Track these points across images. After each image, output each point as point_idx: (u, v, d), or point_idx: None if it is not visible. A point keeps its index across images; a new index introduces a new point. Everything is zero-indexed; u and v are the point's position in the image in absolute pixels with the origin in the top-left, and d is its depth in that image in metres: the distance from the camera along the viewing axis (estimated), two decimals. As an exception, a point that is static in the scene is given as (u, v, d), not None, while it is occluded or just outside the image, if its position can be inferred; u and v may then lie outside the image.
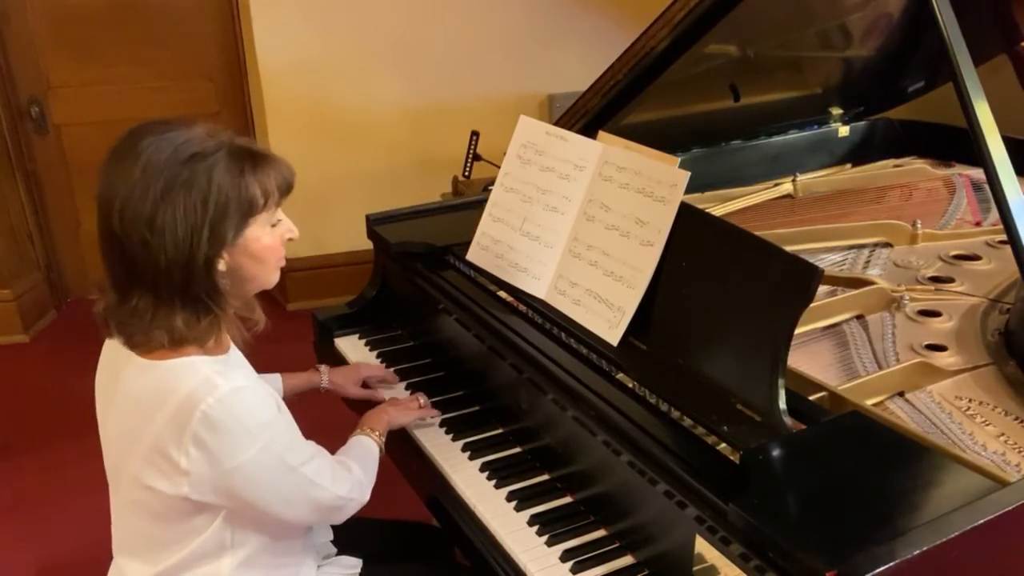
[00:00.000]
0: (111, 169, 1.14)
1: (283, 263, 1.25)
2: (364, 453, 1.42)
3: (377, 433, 1.47)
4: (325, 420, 1.70)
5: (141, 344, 1.17)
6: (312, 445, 1.29)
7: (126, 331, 1.17)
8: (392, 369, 1.79)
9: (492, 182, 1.70)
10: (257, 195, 1.16)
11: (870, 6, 2.02)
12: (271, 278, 1.24)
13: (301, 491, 1.24)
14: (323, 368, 1.70)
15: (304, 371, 1.69)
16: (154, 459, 1.16)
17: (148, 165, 1.10)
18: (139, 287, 1.15)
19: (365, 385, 1.73)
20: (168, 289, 1.14)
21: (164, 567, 1.24)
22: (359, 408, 1.75)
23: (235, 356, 1.26)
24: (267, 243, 1.20)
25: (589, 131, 1.68)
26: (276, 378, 1.63)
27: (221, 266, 1.16)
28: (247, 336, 1.27)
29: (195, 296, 1.15)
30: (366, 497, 1.37)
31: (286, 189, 1.21)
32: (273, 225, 1.21)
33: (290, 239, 1.25)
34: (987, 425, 1.30)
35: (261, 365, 1.50)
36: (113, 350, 1.24)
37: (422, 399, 1.61)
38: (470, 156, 2.97)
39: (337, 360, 1.88)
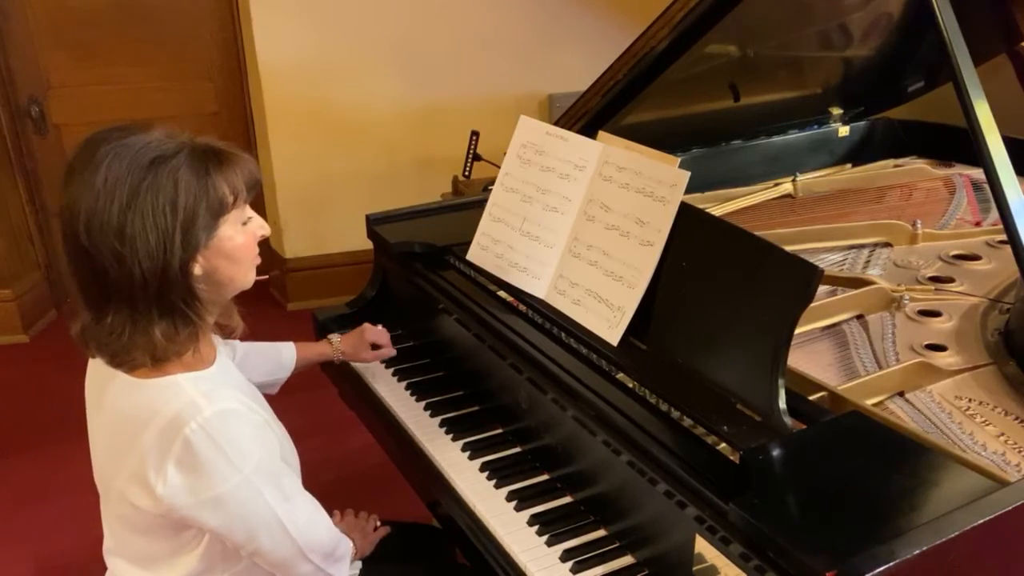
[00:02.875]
0: (70, 182, 1.09)
1: (258, 261, 1.22)
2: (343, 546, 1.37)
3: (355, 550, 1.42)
4: (324, 420, 1.71)
5: (124, 363, 1.14)
6: (298, 490, 1.25)
7: (107, 351, 1.14)
8: (392, 369, 1.79)
9: (492, 182, 1.70)
10: (225, 194, 1.13)
11: (870, 6, 2.02)
12: (248, 278, 1.22)
13: (268, 531, 1.19)
14: (334, 338, 1.70)
15: (317, 341, 1.70)
16: (137, 479, 1.15)
17: (109, 174, 1.07)
18: (113, 302, 1.12)
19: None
20: (145, 300, 1.10)
21: None
22: (358, 407, 1.74)
23: (221, 369, 1.23)
24: (240, 242, 1.17)
25: (589, 131, 1.68)
26: (290, 347, 1.63)
27: (197, 270, 1.13)
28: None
29: (172, 305, 1.12)
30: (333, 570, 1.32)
31: (253, 185, 1.18)
32: (244, 223, 1.18)
33: (263, 236, 1.22)
34: (987, 425, 1.30)
35: (261, 365, 1.50)
36: (99, 361, 1.22)
37: (372, 524, 1.57)
38: (470, 156, 2.97)
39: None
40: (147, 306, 1.11)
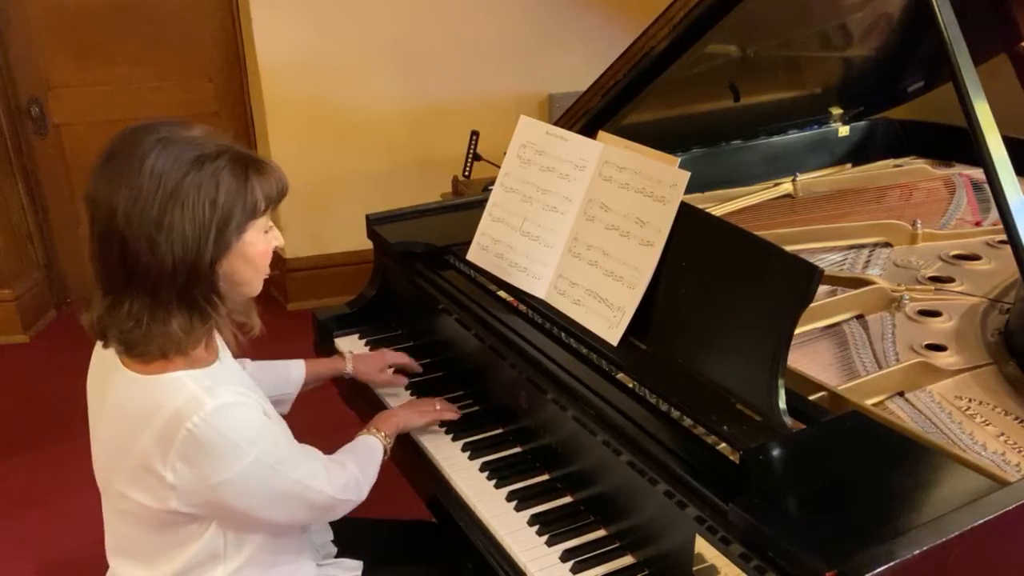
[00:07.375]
0: (111, 169, 1.12)
1: (268, 273, 1.25)
2: (366, 452, 1.43)
3: (383, 434, 1.47)
4: (324, 420, 1.70)
5: (142, 354, 1.16)
6: (303, 449, 1.29)
7: (124, 341, 1.16)
8: (391, 370, 1.79)
9: (492, 182, 1.70)
10: (259, 199, 1.17)
11: (870, 6, 2.02)
12: (258, 285, 1.25)
13: (295, 495, 1.24)
14: (347, 354, 1.71)
15: (328, 357, 1.71)
16: (139, 475, 1.17)
17: (156, 164, 1.10)
18: (135, 289, 1.13)
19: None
20: (168, 291, 1.13)
21: (160, 574, 1.24)
22: (358, 406, 1.75)
23: (224, 366, 1.25)
24: (261, 248, 1.21)
25: (589, 131, 1.68)
26: (299, 364, 1.64)
27: (221, 269, 1.16)
28: (243, 341, 1.28)
29: (193, 300, 1.15)
30: (363, 496, 1.38)
31: (281, 195, 1.23)
32: (266, 231, 1.22)
33: (277, 247, 1.25)
34: (987, 425, 1.30)
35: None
36: (102, 356, 1.23)
37: (439, 404, 1.60)
38: (470, 156, 2.97)
39: (337, 360, 1.88)
40: (169, 297, 1.13)
